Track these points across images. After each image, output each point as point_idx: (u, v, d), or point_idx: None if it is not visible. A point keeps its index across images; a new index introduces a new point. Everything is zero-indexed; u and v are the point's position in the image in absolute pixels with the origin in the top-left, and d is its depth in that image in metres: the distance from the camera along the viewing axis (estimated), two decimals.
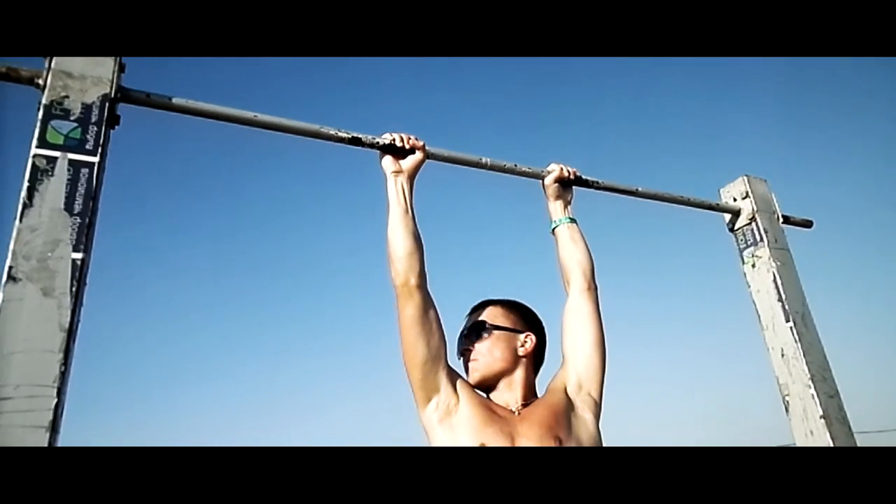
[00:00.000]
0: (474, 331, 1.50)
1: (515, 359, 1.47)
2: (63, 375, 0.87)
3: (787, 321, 1.65)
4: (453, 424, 1.37)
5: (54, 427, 0.84)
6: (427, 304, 1.41)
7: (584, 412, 1.48)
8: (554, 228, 1.73)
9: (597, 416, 1.49)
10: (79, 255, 0.96)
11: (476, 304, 1.58)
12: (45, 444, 0.83)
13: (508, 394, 1.45)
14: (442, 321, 1.44)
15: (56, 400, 0.85)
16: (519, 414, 1.41)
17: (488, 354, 1.47)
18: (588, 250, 1.68)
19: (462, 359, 1.51)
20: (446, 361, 1.43)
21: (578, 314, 1.59)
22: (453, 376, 1.43)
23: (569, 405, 1.46)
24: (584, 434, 1.44)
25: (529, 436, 1.35)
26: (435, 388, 1.39)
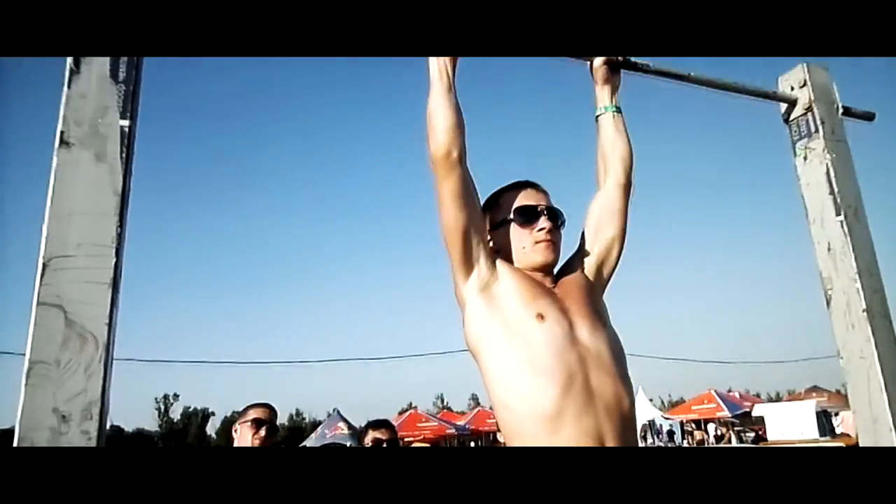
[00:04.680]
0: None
1: None
2: (119, 237, 0.90)
3: (838, 215, 1.60)
4: (495, 295, 1.42)
5: (115, 285, 0.88)
6: (467, 178, 1.43)
7: (600, 294, 1.58)
8: (598, 116, 1.68)
9: (602, 296, 1.60)
10: (126, 123, 0.96)
11: (531, 181, 1.59)
12: (108, 301, 0.87)
13: (545, 274, 1.50)
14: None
15: (115, 259, 0.89)
16: (555, 289, 1.47)
17: (559, 242, 1.54)
18: (630, 144, 1.66)
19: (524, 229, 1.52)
20: (485, 235, 1.47)
21: (610, 207, 1.62)
22: (491, 250, 1.47)
23: (589, 285, 1.55)
24: (604, 312, 1.54)
25: (573, 310, 1.44)
26: (475, 260, 1.43)
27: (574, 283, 1.53)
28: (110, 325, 0.86)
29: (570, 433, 1.30)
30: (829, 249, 1.62)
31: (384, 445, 2.61)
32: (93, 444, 0.80)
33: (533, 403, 1.33)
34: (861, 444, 1.53)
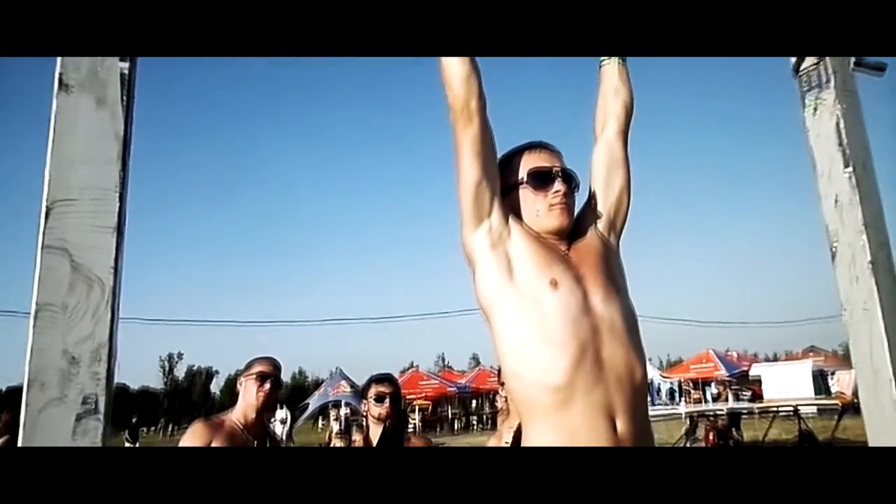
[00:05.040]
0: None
1: None
2: (123, 182, 0.89)
3: (847, 167, 1.59)
4: (507, 255, 1.41)
5: (120, 230, 0.88)
6: (486, 128, 1.41)
7: (615, 255, 1.54)
8: (603, 64, 1.65)
9: (618, 255, 1.56)
10: (125, 65, 0.94)
11: (544, 142, 1.56)
12: (113, 247, 0.86)
13: (559, 239, 1.48)
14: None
15: (119, 204, 0.88)
16: (569, 254, 1.45)
17: (574, 205, 1.50)
18: (632, 94, 1.64)
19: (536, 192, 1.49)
20: (499, 190, 1.45)
21: (615, 157, 1.60)
22: (506, 206, 1.45)
23: (604, 248, 1.52)
24: (619, 275, 1.51)
25: (588, 277, 1.42)
26: (488, 212, 1.42)
27: (589, 246, 1.49)
28: (116, 270, 0.85)
29: (581, 406, 1.30)
30: (836, 203, 1.61)
31: (387, 400, 2.64)
32: (102, 386, 0.81)
33: (543, 374, 1.32)
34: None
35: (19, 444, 0.77)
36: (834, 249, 1.59)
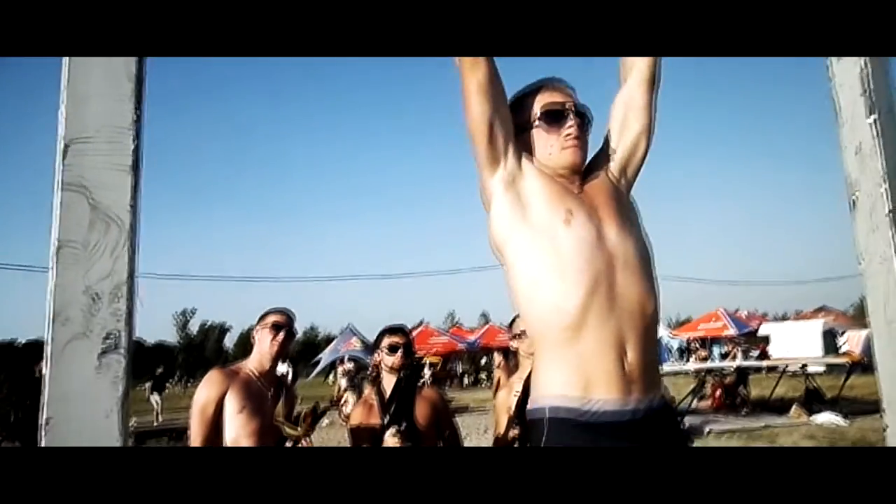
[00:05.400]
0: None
1: None
2: (138, 121, 0.89)
3: (871, 114, 1.55)
4: (521, 193, 1.42)
5: (136, 169, 0.88)
6: (493, 69, 1.40)
7: (627, 193, 1.56)
8: None
9: (630, 196, 1.57)
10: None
11: (555, 78, 1.55)
12: (130, 185, 0.86)
13: (572, 176, 1.48)
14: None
15: (135, 143, 0.87)
16: (581, 192, 1.44)
17: (587, 142, 1.51)
18: None
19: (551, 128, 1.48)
20: (511, 128, 1.44)
21: (636, 102, 1.58)
22: (520, 146, 1.45)
23: (616, 186, 1.53)
24: (632, 212, 1.53)
25: (601, 211, 1.44)
26: (503, 153, 1.42)
27: (601, 184, 1.50)
28: (134, 209, 0.86)
29: (592, 338, 1.33)
30: (857, 152, 1.58)
31: (400, 350, 2.67)
32: (123, 323, 0.82)
33: (557, 307, 1.35)
34: (875, 348, 1.55)
35: (45, 378, 0.79)
36: (854, 199, 1.57)
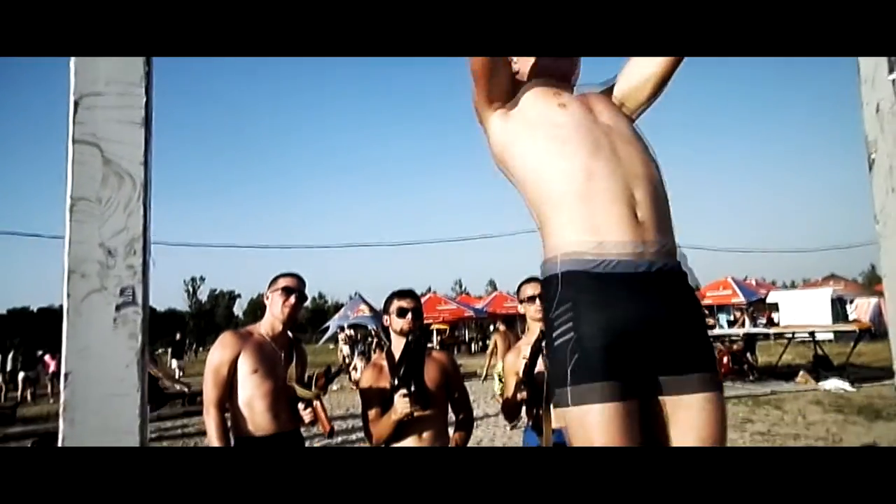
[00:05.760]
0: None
1: None
2: (148, 76, 0.88)
3: (892, 72, 1.52)
4: (516, 102, 1.53)
5: (147, 125, 0.87)
6: None
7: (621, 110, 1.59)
8: None
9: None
10: None
11: None
12: (142, 140, 0.86)
13: (566, 83, 1.61)
14: None
15: (145, 98, 0.87)
16: (572, 93, 1.58)
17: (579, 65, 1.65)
18: None
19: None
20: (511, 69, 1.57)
21: (652, 70, 1.60)
22: (516, 86, 1.56)
23: (608, 99, 1.61)
24: (633, 131, 1.55)
25: (595, 102, 1.53)
26: (504, 92, 1.52)
27: (596, 95, 1.60)
28: (146, 164, 0.85)
29: (601, 191, 1.36)
30: (877, 110, 1.55)
31: (409, 314, 2.68)
32: (138, 278, 0.82)
33: (563, 173, 1.40)
34: (888, 311, 1.54)
35: (64, 333, 0.80)
36: (872, 159, 1.54)
